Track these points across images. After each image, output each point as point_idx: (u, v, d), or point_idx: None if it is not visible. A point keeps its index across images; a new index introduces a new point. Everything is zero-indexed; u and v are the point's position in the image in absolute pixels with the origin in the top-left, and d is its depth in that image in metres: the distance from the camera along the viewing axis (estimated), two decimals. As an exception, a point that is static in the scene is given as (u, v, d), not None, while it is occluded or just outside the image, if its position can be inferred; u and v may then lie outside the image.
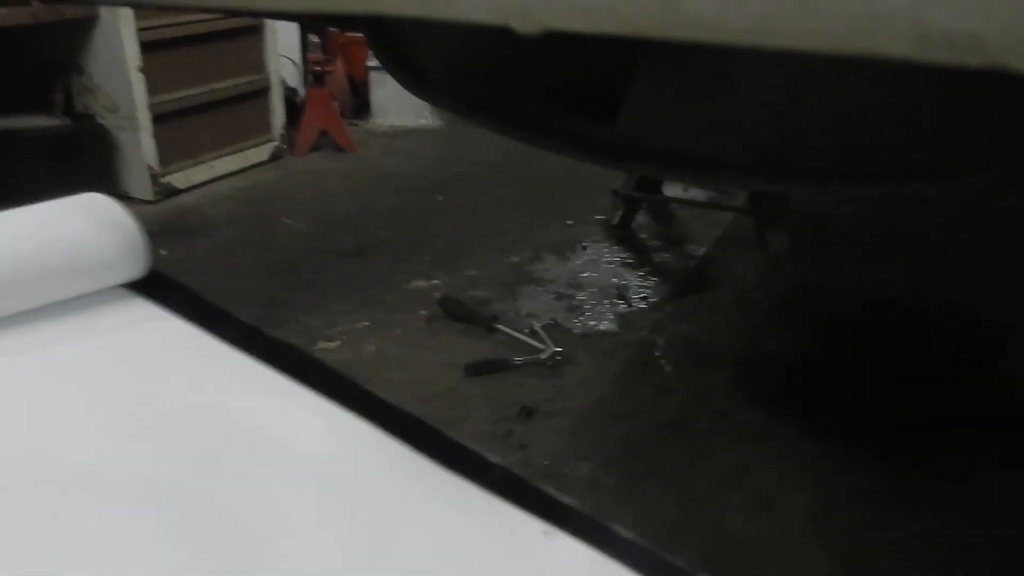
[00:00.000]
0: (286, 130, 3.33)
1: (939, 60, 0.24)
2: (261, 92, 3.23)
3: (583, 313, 2.11)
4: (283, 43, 3.38)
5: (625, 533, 0.51)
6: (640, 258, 2.46)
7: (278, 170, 3.23)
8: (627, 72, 0.87)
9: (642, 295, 2.21)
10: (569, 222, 2.69)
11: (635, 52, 0.86)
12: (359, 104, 3.89)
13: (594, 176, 2.79)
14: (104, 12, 2.64)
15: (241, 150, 3.17)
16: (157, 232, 2.54)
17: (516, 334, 1.95)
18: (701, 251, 2.51)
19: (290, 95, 3.47)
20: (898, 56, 0.25)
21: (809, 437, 1.60)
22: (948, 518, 1.37)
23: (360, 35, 3.31)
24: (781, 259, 2.35)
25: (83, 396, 0.60)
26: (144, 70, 2.71)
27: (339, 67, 3.67)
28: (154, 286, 0.71)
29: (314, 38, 3.48)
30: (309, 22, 3.37)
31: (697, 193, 2.86)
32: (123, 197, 2.83)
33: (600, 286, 2.26)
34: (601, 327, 2.04)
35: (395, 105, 3.79)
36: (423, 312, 2.08)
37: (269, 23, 3.17)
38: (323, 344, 1.94)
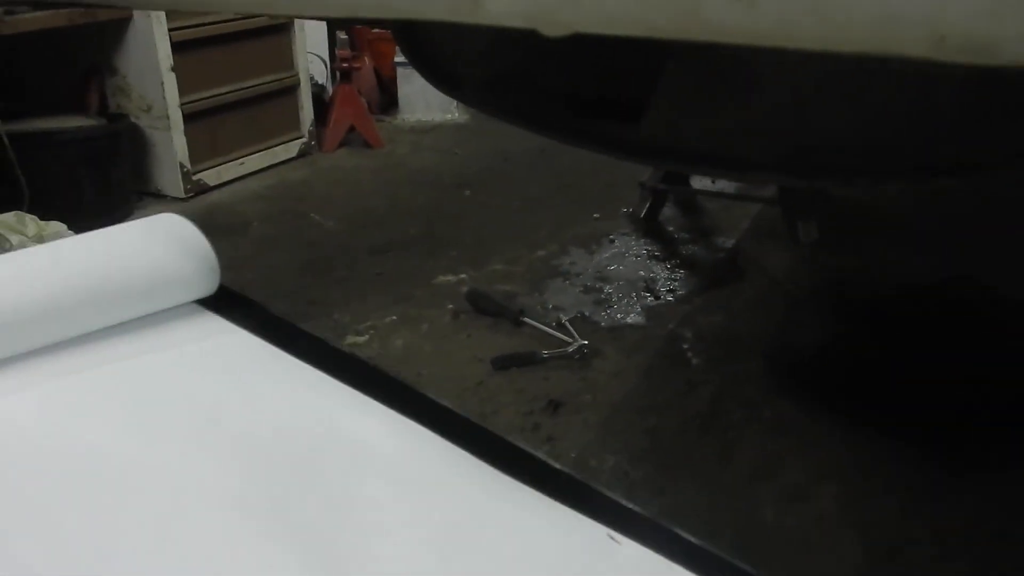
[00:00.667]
0: (314, 127, 3.37)
1: (957, 61, 0.24)
2: (290, 89, 3.27)
3: (610, 306, 2.11)
4: (311, 40, 3.41)
5: (690, 537, 0.52)
6: (668, 251, 2.45)
7: (307, 167, 3.27)
8: (654, 75, 0.88)
9: (670, 288, 2.21)
10: (596, 215, 2.69)
11: (661, 54, 0.86)
12: (387, 100, 3.91)
13: (621, 169, 2.78)
14: (137, 13, 2.68)
15: (270, 147, 3.21)
16: (190, 229, 2.57)
17: (543, 328, 1.96)
18: (730, 243, 2.50)
19: (318, 92, 3.50)
20: (916, 57, 0.25)
21: (842, 428, 1.59)
22: (985, 510, 1.36)
23: (387, 31, 3.34)
24: (812, 249, 2.33)
25: (166, 405, 0.63)
26: (176, 69, 2.75)
27: (366, 63, 3.70)
28: (225, 302, 0.75)
29: (342, 35, 3.51)
30: (338, 22, 3.40)
31: (725, 185, 2.84)
32: (155, 195, 2.88)
33: (627, 279, 2.26)
34: (628, 320, 2.04)
35: (423, 100, 3.80)
36: (450, 306, 2.10)
37: (297, 21, 3.20)
38: (352, 339, 1.96)
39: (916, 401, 1.64)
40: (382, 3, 0.45)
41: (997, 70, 0.25)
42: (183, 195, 2.87)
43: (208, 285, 0.74)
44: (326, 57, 3.67)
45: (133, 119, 2.80)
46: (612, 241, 2.51)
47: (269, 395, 0.65)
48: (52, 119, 2.59)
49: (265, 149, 3.19)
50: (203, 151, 2.93)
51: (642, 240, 2.52)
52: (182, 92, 2.79)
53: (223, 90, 2.98)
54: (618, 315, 2.07)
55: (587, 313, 2.07)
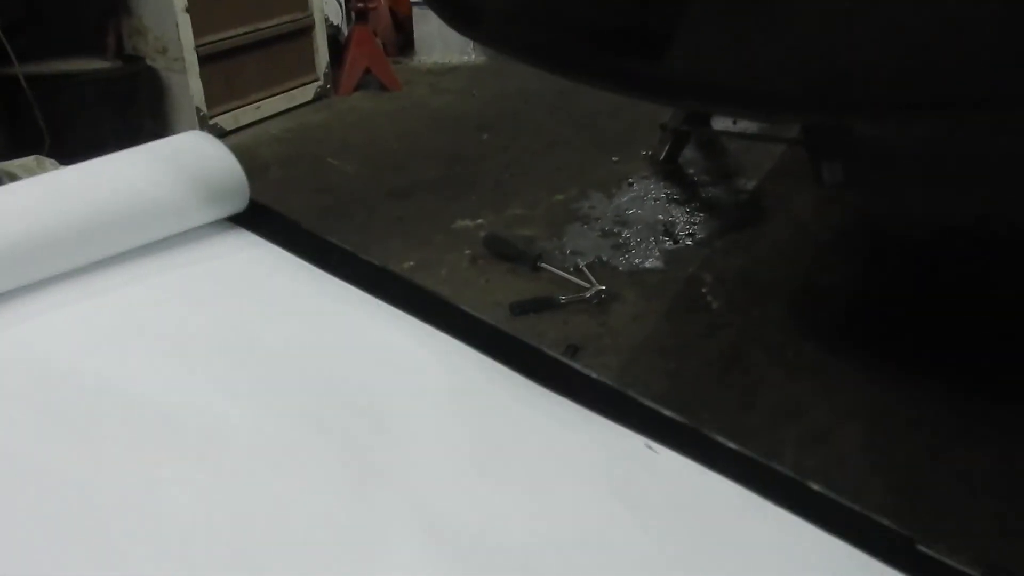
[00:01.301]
0: (330, 69, 3.32)
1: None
2: (305, 31, 3.22)
3: (629, 251, 2.09)
4: (326, -20, 3.34)
5: (727, 442, 0.53)
6: (688, 194, 2.42)
7: (324, 110, 3.24)
8: (676, 9, 0.85)
9: (690, 231, 2.18)
10: (615, 158, 2.65)
11: None
12: (403, 41, 3.85)
13: (641, 111, 2.73)
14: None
15: (287, 91, 3.18)
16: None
17: (561, 273, 1.95)
18: (752, 185, 2.46)
19: (333, 34, 3.44)
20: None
21: (867, 370, 1.58)
22: (1012, 451, 1.35)
23: (402, -30, 3.26)
24: (837, 191, 2.29)
25: (198, 320, 0.63)
26: (190, 10, 2.71)
27: (382, 3, 3.63)
28: (256, 218, 0.75)
29: (356, -26, 3.43)
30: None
31: (747, 125, 2.79)
32: (174, 139, 2.87)
33: (647, 223, 2.23)
34: (647, 264, 2.03)
35: (440, 41, 3.74)
36: (468, 251, 2.09)
37: (311, -41, 3.14)
38: (372, 283, 1.96)
39: (942, 343, 1.63)
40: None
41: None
42: (200, 139, 2.85)
43: (238, 202, 0.75)
44: (341, -3, 3.61)
45: (149, 62, 2.78)
46: (631, 184, 2.48)
47: (302, 309, 0.65)
48: (70, 61, 2.57)
49: (281, 92, 3.15)
50: (219, 95, 2.91)
51: (661, 183, 2.48)
52: (197, 34, 2.76)
53: (238, 32, 2.94)
54: (636, 260, 2.05)
55: (605, 258, 2.05)
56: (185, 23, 2.71)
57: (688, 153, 2.63)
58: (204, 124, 2.85)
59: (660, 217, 2.27)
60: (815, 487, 0.50)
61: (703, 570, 0.46)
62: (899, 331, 1.67)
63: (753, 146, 2.66)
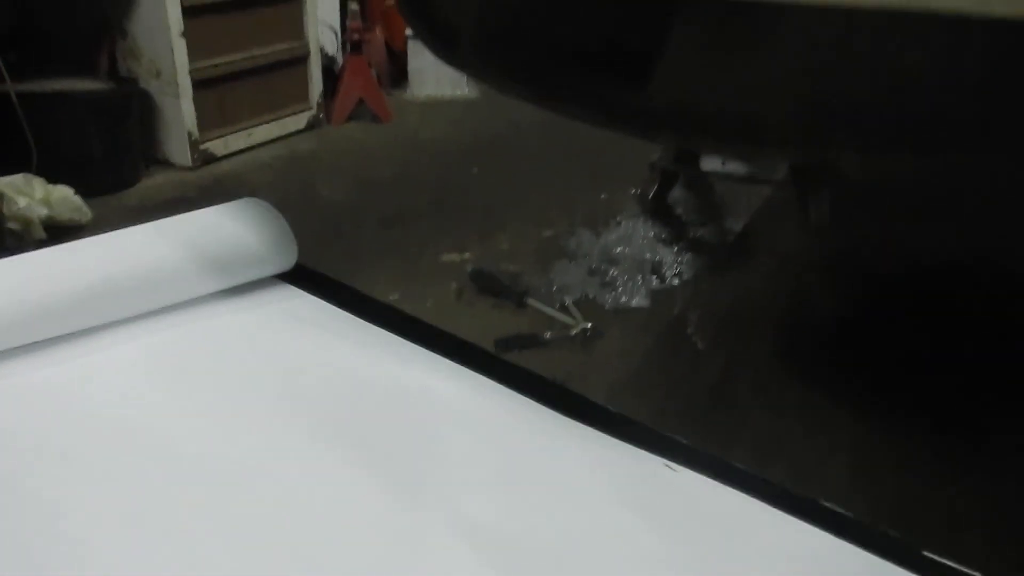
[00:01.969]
0: (323, 99, 3.34)
1: (996, 13, 0.23)
2: (300, 60, 3.24)
3: (616, 288, 2.09)
4: (322, 9, 3.37)
5: (740, 465, 0.58)
6: (675, 233, 2.43)
7: (315, 139, 3.24)
8: (659, 38, 0.85)
9: (677, 271, 2.19)
10: (604, 195, 2.66)
11: (669, 12, 0.84)
12: (397, 73, 3.88)
13: (630, 150, 2.75)
14: (147, -23, 2.66)
15: (279, 118, 3.18)
16: (197, 198, 2.56)
17: (547, 309, 1.95)
18: (739, 225, 2.47)
19: (328, 64, 3.47)
20: (951, 11, 0.23)
21: (852, 407, 1.57)
22: (999, 487, 1.35)
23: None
24: (824, 230, 2.30)
25: (253, 367, 0.70)
26: (186, 35, 2.72)
27: (378, 35, 3.66)
28: (301, 276, 0.84)
29: (353, 5, 3.47)
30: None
31: (736, 167, 2.81)
32: (163, 163, 2.87)
33: (634, 261, 2.24)
34: (634, 303, 2.03)
35: (433, 75, 3.77)
36: (455, 285, 2.08)
37: (309, -10, 3.17)
38: (357, 312, 1.95)
39: (929, 379, 1.62)
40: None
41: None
42: (190, 164, 2.85)
43: (286, 260, 0.82)
44: (337, 28, 3.63)
45: (143, 84, 2.78)
46: (619, 222, 2.49)
47: (343, 352, 0.72)
48: (63, 80, 2.57)
49: (273, 120, 3.16)
50: (211, 120, 2.91)
51: (649, 222, 2.50)
52: (191, 58, 2.77)
53: (232, 58, 2.95)
54: (623, 297, 2.05)
55: (592, 295, 2.05)
56: (180, 47, 2.72)
57: (676, 193, 2.65)
58: (195, 149, 2.85)
59: (648, 255, 2.27)
60: (829, 506, 0.58)
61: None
62: (886, 368, 1.67)
63: (741, 187, 2.69)
